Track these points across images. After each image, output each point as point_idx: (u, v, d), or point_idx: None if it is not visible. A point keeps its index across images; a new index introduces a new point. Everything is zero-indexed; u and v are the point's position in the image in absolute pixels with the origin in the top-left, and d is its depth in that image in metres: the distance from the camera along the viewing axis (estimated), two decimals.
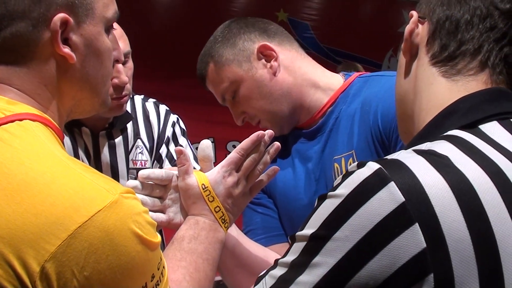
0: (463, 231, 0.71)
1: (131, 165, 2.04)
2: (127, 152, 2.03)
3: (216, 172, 1.19)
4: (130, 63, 1.92)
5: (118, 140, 2.00)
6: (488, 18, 0.88)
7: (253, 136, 1.21)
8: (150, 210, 1.19)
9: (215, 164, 1.23)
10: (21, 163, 0.84)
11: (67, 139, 1.90)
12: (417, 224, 0.71)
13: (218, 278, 1.31)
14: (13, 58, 0.95)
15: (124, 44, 1.91)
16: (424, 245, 0.70)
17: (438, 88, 0.89)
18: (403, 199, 0.72)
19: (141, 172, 1.21)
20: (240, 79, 1.51)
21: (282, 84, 1.52)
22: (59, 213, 0.80)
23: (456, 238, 0.71)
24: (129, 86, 1.89)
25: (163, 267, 0.93)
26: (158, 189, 1.23)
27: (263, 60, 1.52)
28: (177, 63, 4.06)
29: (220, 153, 4.01)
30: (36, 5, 0.92)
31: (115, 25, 1.88)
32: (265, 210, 1.61)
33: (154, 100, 2.13)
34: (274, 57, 1.53)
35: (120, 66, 1.82)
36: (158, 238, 0.89)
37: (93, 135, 1.96)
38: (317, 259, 0.75)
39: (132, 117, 2.03)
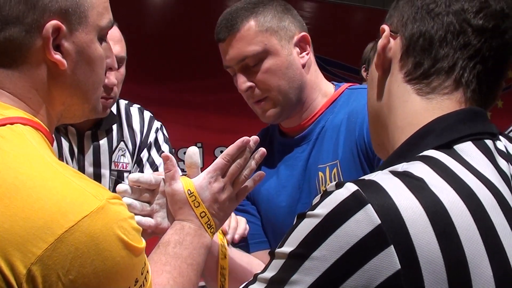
0: (436, 253, 0.73)
1: (113, 167, 2.06)
2: (111, 154, 2.05)
3: (202, 178, 1.20)
4: (123, 69, 1.96)
5: (103, 141, 2.02)
6: (461, 35, 0.87)
7: (238, 141, 1.22)
8: (139, 214, 1.20)
9: (203, 169, 1.25)
10: (11, 167, 0.86)
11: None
12: (392, 246, 0.72)
13: (202, 283, 1.32)
14: (6, 62, 0.96)
15: (120, 49, 1.94)
16: (399, 266, 0.72)
17: (412, 106, 0.89)
18: (379, 221, 0.73)
19: (130, 176, 1.22)
20: (274, 52, 1.50)
21: (302, 78, 1.54)
22: (47, 218, 0.81)
23: (429, 259, 0.72)
24: (116, 90, 1.92)
25: (147, 271, 0.94)
26: (146, 194, 1.24)
27: (298, 49, 1.54)
28: (166, 68, 4.07)
29: (208, 158, 4.01)
30: (30, 11, 0.94)
31: (115, 29, 1.90)
32: (248, 217, 1.61)
33: (139, 106, 2.16)
34: (307, 52, 1.55)
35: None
36: (143, 243, 0.91)
37: (78, 134, 1.97)
38: (295, 277, 0.77)
39: (117, 119, 2.06)
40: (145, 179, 1.22)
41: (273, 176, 1.60)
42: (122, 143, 2.07)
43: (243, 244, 1.55)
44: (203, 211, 1.18)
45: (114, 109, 2.05)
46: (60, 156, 1.93)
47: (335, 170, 1.47)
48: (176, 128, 3.82)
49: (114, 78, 1.88)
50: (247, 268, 1.42)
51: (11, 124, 0.92)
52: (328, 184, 1.46)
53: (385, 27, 0.94)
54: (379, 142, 0.99)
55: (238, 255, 1.43)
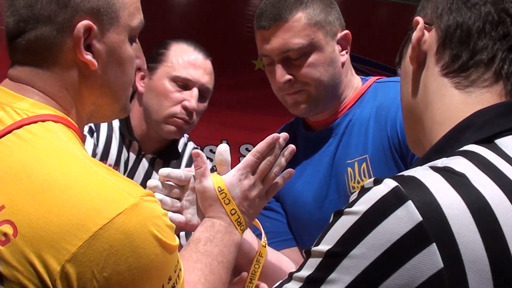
0: (480, 251, 0.70)
1: None
2: None
3: (232, 175, 1.20)
4: (206, 103, 1.95)
5: (157, 170, 1.98)
6: (500, 25, 0.84)
7: (269, 138, 1.21)
8: (169, 210, 1.20)
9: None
10: (44, 164, 0.86)
11: (114, 146, 1.93)
12: (434, 244, 0.70)
13: None
14: (37, 61, 0.97)
15: (208, 80, 1.93)
16: (441, 265, 0.70)
17: (451, 101, 0.87)
18: (421, 218, 0.71)
19: (161, 171, 1.22)
20: (318, 47, 1.47)
21: (341, 76, 1.52)
22: (81, 215, 0.82)
23: (474, 258, 0.70)
24: (195, 117, 1.90)
25: (180, 269, 0.94)
26: (176, 190, 1.24)
27: (339, 47, 1.51)
28: None
29: (233, 156, 3.99)
30: (62, 11, 0.94)
31: (207, 61, 1.91)
32: (274, 215, 1.61)
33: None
34: (347, 51, 1.53)
35: (195, 91, 1.87)
36: (176, 241, 0.91)
37: (139, 152, 1.97)
38: (333, 275, 0.75)
39: (180, 157, 2.03)
40: (176, 175, 1.22)
41: (299, 172, 1.57)
42: None
43: (270, 242, 1.53)
44: (233, 209, 1.18)
45: (181, 147, 2.04)
46: (116, 164, 1.94)
47: (364, 165, 1.45)
48: (201, 126, 3.80)
49: (195, 103, 1.87)
50: (276, 265, 1.41)
51: (43, 121, 0.92)
52: (358, 180, 1.45)
53: (419, 19, 0.92)
54: (415, 138, 0.97)
55: (268, 253, 1.42)
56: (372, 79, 1.59)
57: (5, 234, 0.82)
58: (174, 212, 1.22)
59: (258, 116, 3.92)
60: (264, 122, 3.62)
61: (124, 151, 1.95)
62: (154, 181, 1.22)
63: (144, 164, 1.98)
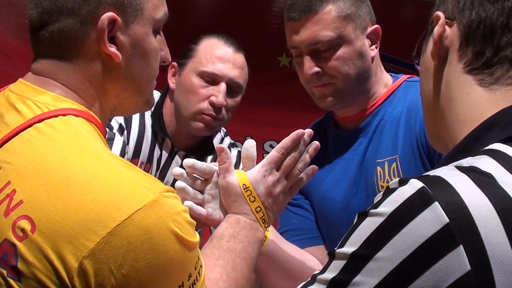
0: (508, 253, 0.68)
1: None
2: None
3: (256, 171, 1.19)
4: (238, 98, 1.90)
5: None
6: None
7: (293, 134, 1.20)
8: (190, 201, 1.19)
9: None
10: (63, 158, 0.85)
11: (146, 143, 1.90)
12: (461, 246, 0.68)
13: None
14: (60, 53, 0.95)
15: (238, 75, 1.86)
16: (469, 267, 0.68)
17: (475, 98, 0.85)
18: (447, 220, 0.69)
19: (185, 161, 1.21)
20: (348, 40, 1.45)
21: (370, 70, 1.50)
22: (99, 210, 0.80)
23: (501, 260, 0.68)
24: (225, 113, 1.85)
25: (201, 266, 0.92)
26: (199, 181, 1.23)
27: (369, 41, 1.50)
28: None
29: (257, 153, 3.99)
30: (86, 3, 0.93)
31: (241, 56, 1.85)
32: (302, 212, 1.59)
33: (239, 149, 2.04)
34: (376, 45, 1.51)
35: (222, 86, 1.82)
36: (196, 237, 0.89)
37: (171, 149, 1.94)
38: (358, 278, 0.73)
39: (214, 153, 1.98)
40: (200, 166, 1.21)
41: (328, 170, 1.56)
42: None
43: (296, 239, 1.53)
44: (259, 206, 1.17)
45: (218, 143, 2.00)
46: (148, 162, 1.91)
47: (394, 165, 1.43)
48: None
49: (222, 98, 1.81)
50: (301, 262, 1.40)
51: (64, 115, 0.91)
52: (387, 179, 1.43)
53: (440, 14, 0.89)
54: (436, 134, 0.95)
55: (291, 250, 1.41)
56: (403, 77, 1.56)
57: (23, 230, 0.81)
58: (195, 204, 1.21)
59: (283, 112, 3.90)
60: (288, 119, 3.59)
61: (157, 148, 1.93)
62: (179, 169, 1.21)
63: (177, 161, 1.95)
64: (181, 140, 1.94)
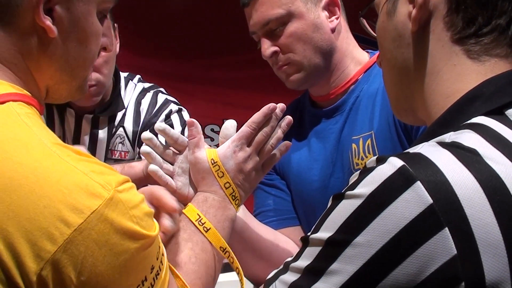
0: (495, 234, 0.65)
1: (109, 155, 1.94)
2: (108, 141, 1.93)
3: (226, 146, 1.14)
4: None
5: (102, 127, 1.91)
6: None
7: (265, 108, 1.15)
8: (159, 168, 1.15)
9: None
10: (7, 157, 0.76)
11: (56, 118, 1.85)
12: (446, 228, 0.65)
13: (226, 260, 1.26)
14: None
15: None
16: (455, 251, 0.64)
17: (462, 71, 0.79)
18: (431, 201, 0.65)
19: (157, 124, 1.17)
20: (298, 15, 1.44)
21: (331, 43, 1.47)
22: (53, 217, 0.74)
23: (489, 242, 0.65)
24: (100, 77, 1.70)
25: (162, 254, 0.86)
26: (169, 151, 1.18)
27: (326, 13, 1.47)
28: (193, 44, 4.02)
29: None
30: None
31: None
32: (277, 192, 1.56)
33: (160, 89, 2.00)
34: (337, 16, 1.48)
35: None
36: (156, 228, 0.83)
37: (77, 116, 1.88)
38: (334, 266, 0.69)
39: (123, 107, 1.93)
40: (172, 133, 1.17)
41: (304, 149, 1.53)
42: (121, 129, 1.94)
43: (272, 219, 1.50)
44: (228, 182, 1.12)
45: (123, 95, 1.93)
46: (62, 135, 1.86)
47: (369, 141, 1.39)
48: (203, 105, 3.74)
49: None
50: (273, 244, 1.37)
51: (2, 103, 0.82)
52: (362, 156, 1.39)
53: None
54: (407, 108, 0.89)
55: (263, 231, 1.38)
56: (378, 53, 1.52)
57: None
58: (164, 173, 1.16)
59: (261, 95, 3.85)
60: (266, 102, 3.54)
61: (62, 119, 1.87)
62: (148, 134, 1.16)
63: (87, 126, 1.89)
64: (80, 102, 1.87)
